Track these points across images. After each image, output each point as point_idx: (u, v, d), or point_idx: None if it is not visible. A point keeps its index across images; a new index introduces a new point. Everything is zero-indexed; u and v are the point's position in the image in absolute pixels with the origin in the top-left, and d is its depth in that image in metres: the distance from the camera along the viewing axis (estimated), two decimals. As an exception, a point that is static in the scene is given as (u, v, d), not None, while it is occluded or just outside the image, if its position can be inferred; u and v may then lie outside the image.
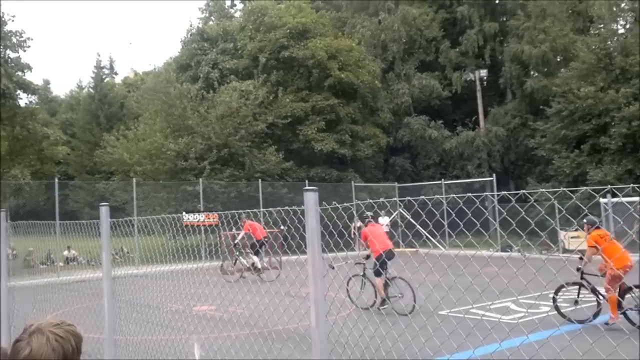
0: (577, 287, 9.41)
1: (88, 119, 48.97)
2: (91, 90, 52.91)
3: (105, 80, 54.69)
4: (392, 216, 23.57)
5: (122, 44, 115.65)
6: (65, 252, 21.79)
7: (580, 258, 9.32)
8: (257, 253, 16.24)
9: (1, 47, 23.43)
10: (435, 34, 33.85)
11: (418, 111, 33.07)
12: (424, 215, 4.65)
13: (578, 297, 9.43)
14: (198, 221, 21.85)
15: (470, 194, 5.36)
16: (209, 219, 21.80)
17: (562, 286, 9.18)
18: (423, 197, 4.52)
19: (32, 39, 24.80)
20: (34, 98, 27.11)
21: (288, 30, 29.16)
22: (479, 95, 32.37)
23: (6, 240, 7.02)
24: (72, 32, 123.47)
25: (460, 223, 3.52)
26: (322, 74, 29.16)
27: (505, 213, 3.63)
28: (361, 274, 10.72)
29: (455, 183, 27.86)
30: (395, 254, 10.32)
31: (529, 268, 3.25)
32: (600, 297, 9.08)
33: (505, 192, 3.83)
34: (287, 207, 4.08)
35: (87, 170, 44.93)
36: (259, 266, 15.90)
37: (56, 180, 22.07)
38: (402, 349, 4.32)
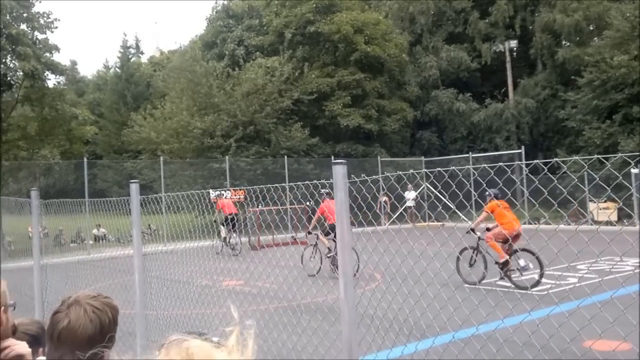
0: (473, 251, 10.54)
1: (115, 99, 49.36)
2: (118, 70, 53.21)
3: (131, 60, 54.91)
4: (419, 190, 23.39)
5: (148, 23, 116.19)
6: (95, 231, 22.12)
7: (488, 229, 10.43)
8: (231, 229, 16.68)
9: (29, 28, 23.61)
10: (464, 4, 33.12)
11: (446, 84, 32.59)
12: (454, 186, 4.54)
13: (472, 260, 10.52)
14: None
15: (501, 164, 5.22)
16: (235, 195, 21.88)
17: (465, 248, 10.24)
18: (453, 167, 4.39)
19: (59, 20, 24.90)
20: (62, 79, 27.23)
21: (314, 5, 28.84)
22: (508, 66, 31.71)
23: (38, 218, 7.09)
24: (98, 12, 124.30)
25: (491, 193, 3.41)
26: (348, 49, 28.82)
27: (537, 182, 3.51)
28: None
29: (483, 156, 27.48)
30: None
31: (556, 239, 3.14)
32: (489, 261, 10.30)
33: (538, 161, 3.70)
34: (315, 181, 4.02)
35: (115, 149, 45.43)
36: (233, 241, 16.25)
37: (85, 159, 22.37)
38: (431, 318, 4.25)
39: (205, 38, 36.16)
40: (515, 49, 32.57)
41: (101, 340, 1.94)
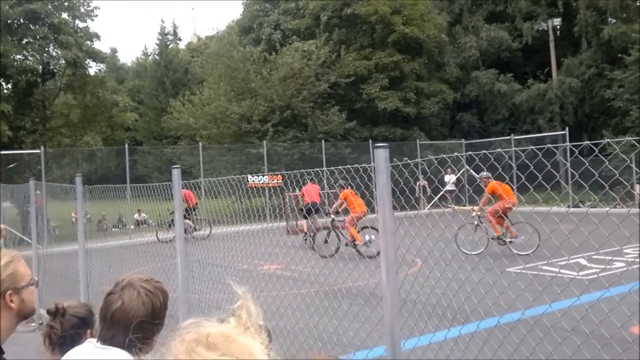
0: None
1: (154, 86, 49.99)
2: (156, 57, 53.83)
3: (169, 47, 55.46)
4: (458, 173, 23.03)
5: (185, 9, 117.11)
6: (136, 216, 22.49)
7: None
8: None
9: (70, 17, 24.02)
10: (505, -18, 32.33)
11: (486, 65, 31.93)
12: (500, 169, 4.41)
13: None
14: (262, 183, 22.05)
15: (549, 145, 5.05)
16: (272, 180, 21.96)
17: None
18: (499, 150, 4.26)
19: (99, 8, 25.34)
20: (102, 66, 27.76)
21: (350, -14, 28.49)
22: (551, 45, 30.78)
23: (82, 204, 7.20)
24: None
25: (538, 175, 3.28)
26: (386, 30, 28.41)
27: (587, 163, 3.36)
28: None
29: (525, 138, 26.87)
30: (320, 208, 14.58)
31: (601, 224, 3.01)
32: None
33: (588, 142, 3.54)
34: (356, 165, 3.95)
35: (155, 135, 46.10)
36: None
37: (126, 145, 22.75)
38: (475, 303, 4.16)
39: (242, 23, 36.20)
40: (558, 27, 31.62)
41: (152, 323, 2.01)
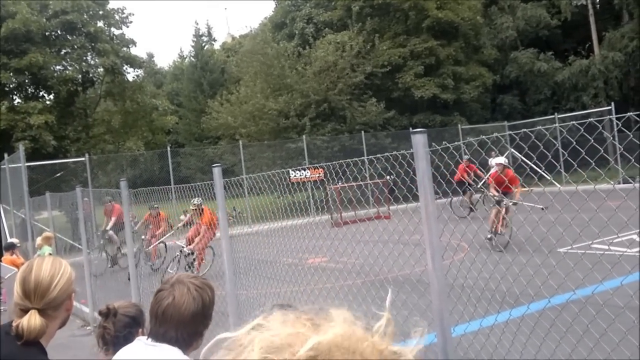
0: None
1: (192, 88, 50.68)
2: (192, 59, 54.57)
3: (205, 48, 56.12)
4: (505, 154, 22.60)
5: (218, 10, 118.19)
6: (182, 216, 22.81)
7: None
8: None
9: (106, 25, 24.55)
10: (541, -42, 31.50)
11: (525, 44, 31.17)
12: (541, 147, 4.30)
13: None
14: (304, 177, 22.12)
15: (591, 119, 4.90)
16: (314, 174, 22.01)
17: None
18: (540, 127, 4.16)
19: (133, 15, 25.83)
20: (140, 72, 28.34)
21: (381, -26, 28.22)
22: (591, 20, 29.88)
23: (128, 208, 7.37)
24: (170, 3, 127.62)
25: (581, 150, 3.19)
26: (420, 16, 28.02)
27: (631, 136, 3.24)
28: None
29: (569, 116, 26.20)
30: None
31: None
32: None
33: (631, 114, 3.42)
34: (395, 153, 3.91)
35: (196, 137, 46.74)
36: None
37: (168, 148, 23.17)
38: (524, 284, 4.09)
39: (275, 19, 36.35)
40: (597, 0, 30.68)
41: (203, 317, 2.06)
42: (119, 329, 2.55)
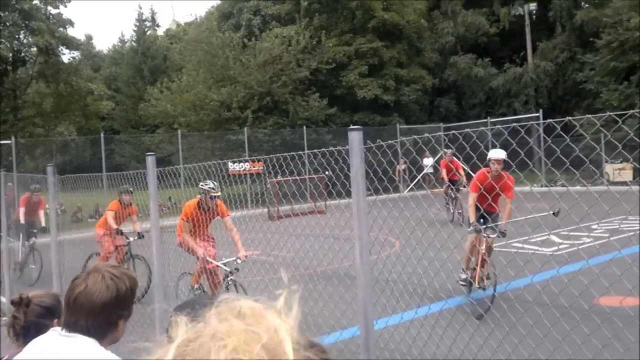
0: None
1: (132, 73, 49.38)
2: (134, 43, 53.17)
3: (147, 33, 54.82)
4: (437, 156, 23.21)
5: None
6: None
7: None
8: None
9: (42, 2, 23.55)
10: (483, -33, 32.45)
11: (464, 50, 32.16)
12: (468, 149, 4.49)
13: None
14: (243, 169, 22.01)
15: (515, 124, 5.14)
16: (253, 166, 21.94)
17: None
18: (468, 130, 4.35)
19: (72, -6, 24.90)
20: (77, 54, 27.29)
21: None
22: (527, 30, 31.11)
23: (54, 195, 7.13)
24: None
25: (508, 155, 3.36)
26: (366, 15, 28.36)
27: (550, 141, 3.45)
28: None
29: (501, 121, 27.22)
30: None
31: (571, 200, 3.12)
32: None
33: (551, 120, 3.64)
34: (331, 148, 4.00)
35: (132, 124, 45.53)
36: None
37: (102, 135, 22.41)
38: (444, 279, 4.27)
39: (222, 8, 35.93)
40: (534, 11, 31.96)
41: (117, 307, 1.97)
42: (30, 318, 2.47)
